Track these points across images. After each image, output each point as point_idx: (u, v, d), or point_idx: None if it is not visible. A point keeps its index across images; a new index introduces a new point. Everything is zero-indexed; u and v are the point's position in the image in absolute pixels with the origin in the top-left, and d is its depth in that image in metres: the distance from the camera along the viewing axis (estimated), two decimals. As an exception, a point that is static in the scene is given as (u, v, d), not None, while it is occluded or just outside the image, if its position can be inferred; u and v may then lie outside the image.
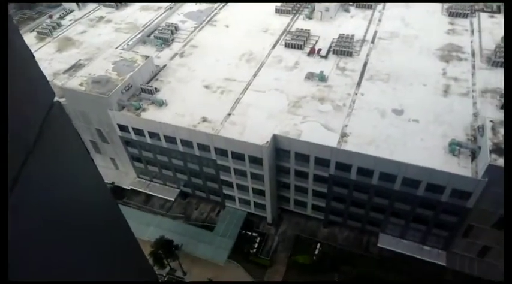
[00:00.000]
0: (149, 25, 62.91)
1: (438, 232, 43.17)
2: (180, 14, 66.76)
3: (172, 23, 62.18)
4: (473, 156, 37.77)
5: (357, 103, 45.26)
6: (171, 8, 67.55)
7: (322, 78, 48.65)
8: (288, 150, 42.46)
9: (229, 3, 68.56)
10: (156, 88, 48.79)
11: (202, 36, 60.51)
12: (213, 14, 66.00)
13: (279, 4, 64.81)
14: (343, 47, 53.09)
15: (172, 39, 59.33)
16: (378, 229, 46.94)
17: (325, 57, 53.21)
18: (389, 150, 39.20)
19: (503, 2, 51.87)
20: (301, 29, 57.91)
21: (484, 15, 59.28)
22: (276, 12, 64.33)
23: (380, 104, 44.77)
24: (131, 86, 47.54)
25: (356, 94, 46.73)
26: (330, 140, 40.61)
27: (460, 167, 37.09)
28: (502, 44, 51.24)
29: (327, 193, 45.32)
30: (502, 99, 42.49)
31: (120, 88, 45.76)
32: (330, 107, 45.15)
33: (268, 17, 63.78)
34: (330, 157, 40.57)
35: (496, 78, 47.00)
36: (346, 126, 42.42)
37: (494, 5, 60.11)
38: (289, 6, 64.13)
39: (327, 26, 59.90)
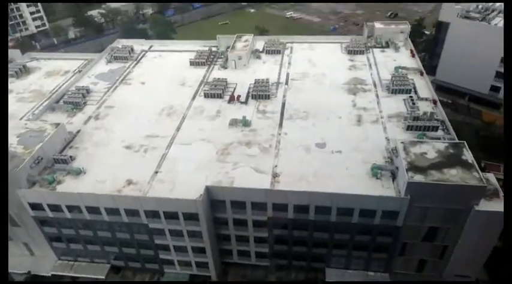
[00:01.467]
0: (57, 91, 59.20)
1: (378, 256, 44.48)
2: (91, 76, 64.20)
3: (82, 86, 59.26)
4: (394, 176, 40.59)
5: (282, 143, 46.58)
6: (79, 71, 64.79)
7: (245, 122, 49.57)
8: (223, 200, 41.32)
9: (141, 61, 68.23)
10: (71, 157, 45.22)
11: (118, 95, 58.53)
12: (126, 72, 64.75)
13: (192, 57, 66.24)
14: (261, 91, 55.35)
15: (85, 103, 56.30)
16: (323, 264, 46.88)
17: (245, 102, 54.78)
18: (319, 183, 40.36)
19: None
20: (218, 79, 59.35)
21: (376, 51, 67.25)
22: (190, 65, 65.46)
23: (303, 140, 46.64)
24: (41, 158, 43.46)
25: (280, 134, 48.22)
26: (263, 182, 40.72)
27: (384, 189, 39.45)
28: (396, 74, 58.10)
29: (268, 237, 44.48)
30: (406, 122, 47.21)
31: (28, 163, 41.57)
32: (258, 150, 45.71)
33: (184, 70, 64.56)
34: (266, 200, 40.30)
35: (396, 103, 52.56)
36: (276, 166, 43.02)
37: (383, 41, 68.61)
38: (203, 58, 65.86)
39: (242, 73, 62.38)
